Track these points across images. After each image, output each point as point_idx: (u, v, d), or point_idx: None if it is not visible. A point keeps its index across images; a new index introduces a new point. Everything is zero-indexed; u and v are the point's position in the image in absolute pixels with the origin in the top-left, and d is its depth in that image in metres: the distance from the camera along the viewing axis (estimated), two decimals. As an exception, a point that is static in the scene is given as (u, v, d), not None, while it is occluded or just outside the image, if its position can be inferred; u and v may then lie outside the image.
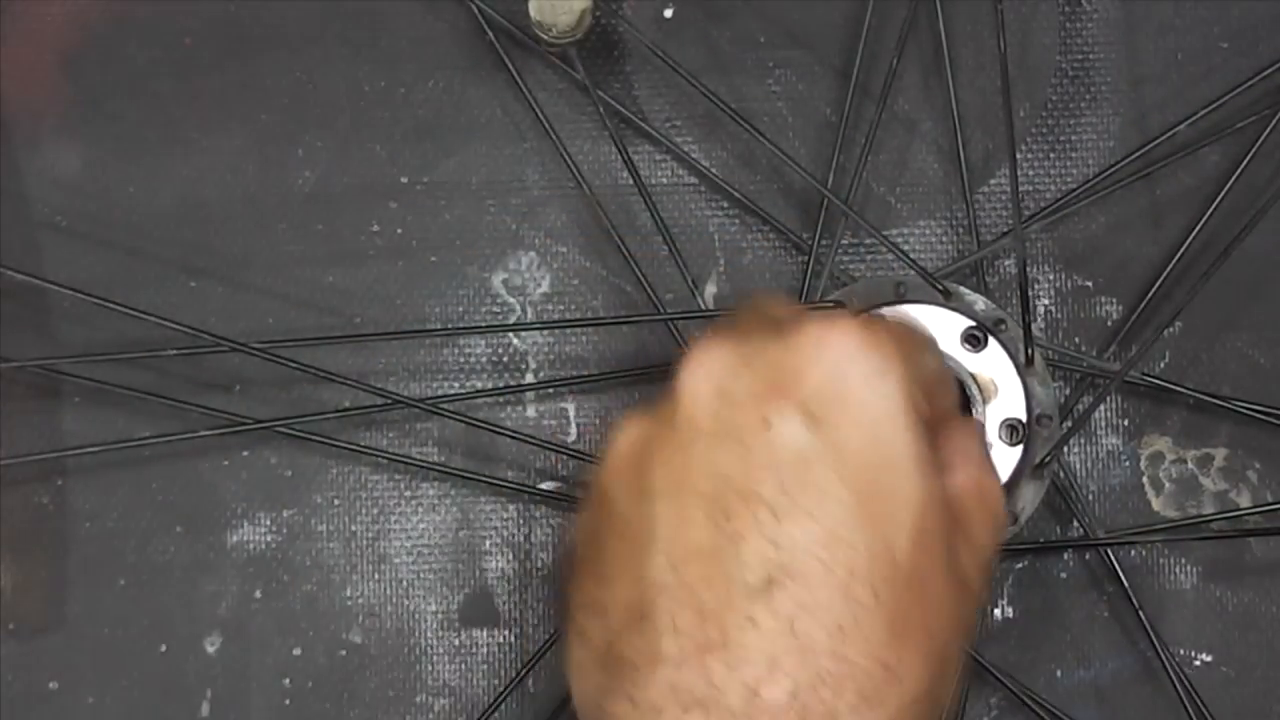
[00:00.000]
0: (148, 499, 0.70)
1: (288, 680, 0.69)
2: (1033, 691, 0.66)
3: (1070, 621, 0.69)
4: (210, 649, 0.70)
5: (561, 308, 0.71)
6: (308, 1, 0.73)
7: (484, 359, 0.71)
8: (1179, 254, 0.69)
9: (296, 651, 0.70)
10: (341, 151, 0.72)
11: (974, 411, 0.65)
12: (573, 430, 0.71)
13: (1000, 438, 0.64)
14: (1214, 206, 0.69)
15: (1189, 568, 0.69)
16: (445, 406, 0.69)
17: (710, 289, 0.71)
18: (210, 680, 0.69)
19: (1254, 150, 0.69)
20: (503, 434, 0.69)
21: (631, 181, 0.70)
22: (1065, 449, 0.70)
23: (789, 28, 0.73)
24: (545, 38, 0.68)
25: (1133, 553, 0.69)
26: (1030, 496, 0.66)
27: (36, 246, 0.72)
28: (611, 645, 0.50)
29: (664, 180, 0.72)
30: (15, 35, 0.73)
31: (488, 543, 0.70)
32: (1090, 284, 0.71)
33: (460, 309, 0.71)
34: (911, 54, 0.72)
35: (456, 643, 0.70)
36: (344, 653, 0.70)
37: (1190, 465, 0.70)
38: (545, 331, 0.71)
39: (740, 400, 0.51)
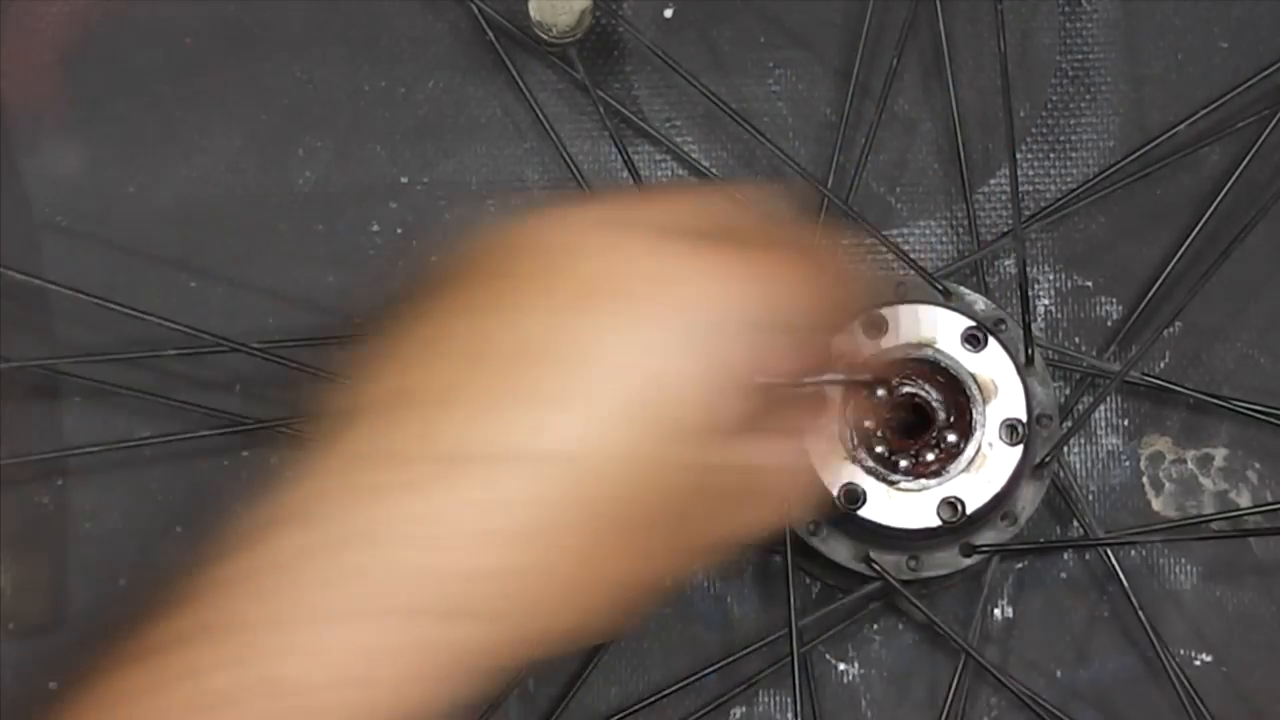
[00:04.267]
0: (148, 499, 0.70)
1: (288, 680, 0.69)
2: (1033, 691, 0.66)
3: (1070, 621, 0.69)
4: (210, 649, 0.69)
5: (561, 308, 0.71)
6: (308, 1, 0.73)
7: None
8: (1179, 254, 0.69)
9: (296, 651, 0.70)
10: (341, 151, 0.72)
11: (974, 412, 0.65)
12: (573, 430, 0.71)
13: (1000, 438, 0.65)
14: (1214, 206, 0.69)
15: (1189, 568, 0.69)
16: (445, 406, 0.69)
17: (710, 289, 0.71)
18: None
19: (1254, 150, 0.69)
20: (503, 434, 0.69)
21: (631, 181, 0.70)
22: (1065, 449, 0.70)
23: (789, 28, 0.73)
24: (545, 38, 0.68)
25: (1133, 553, 0.69)
26: (1030, 496, 0.66)
27: (36, 246, 0.72)
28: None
29: (664, 180, 0.72)
30: (15, 35, 0.73)
31: (488, 543, 0.70)
32: (1090, 284, 0.71)
33: (460, 309, 0.71)
34: (911, 54, 0.72)
35: (456, 643, 0.70)
36: (344, 653, 0.70)
37: (1190, 465, 0.70)
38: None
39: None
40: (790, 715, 0.68)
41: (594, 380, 0.45)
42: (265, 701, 0.44)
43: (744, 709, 0.69)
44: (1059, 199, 0.71)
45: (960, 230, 0.71)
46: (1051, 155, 0.72)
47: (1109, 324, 0.71)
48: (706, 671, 0.67)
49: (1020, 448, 0.65)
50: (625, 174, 0.70)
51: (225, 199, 0.72)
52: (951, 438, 0.65)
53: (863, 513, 0.64)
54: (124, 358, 0.70)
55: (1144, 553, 0.69)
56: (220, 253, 0.72)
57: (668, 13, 0.73)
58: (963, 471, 0.64)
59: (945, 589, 0.69)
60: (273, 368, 0.69)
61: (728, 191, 0.50)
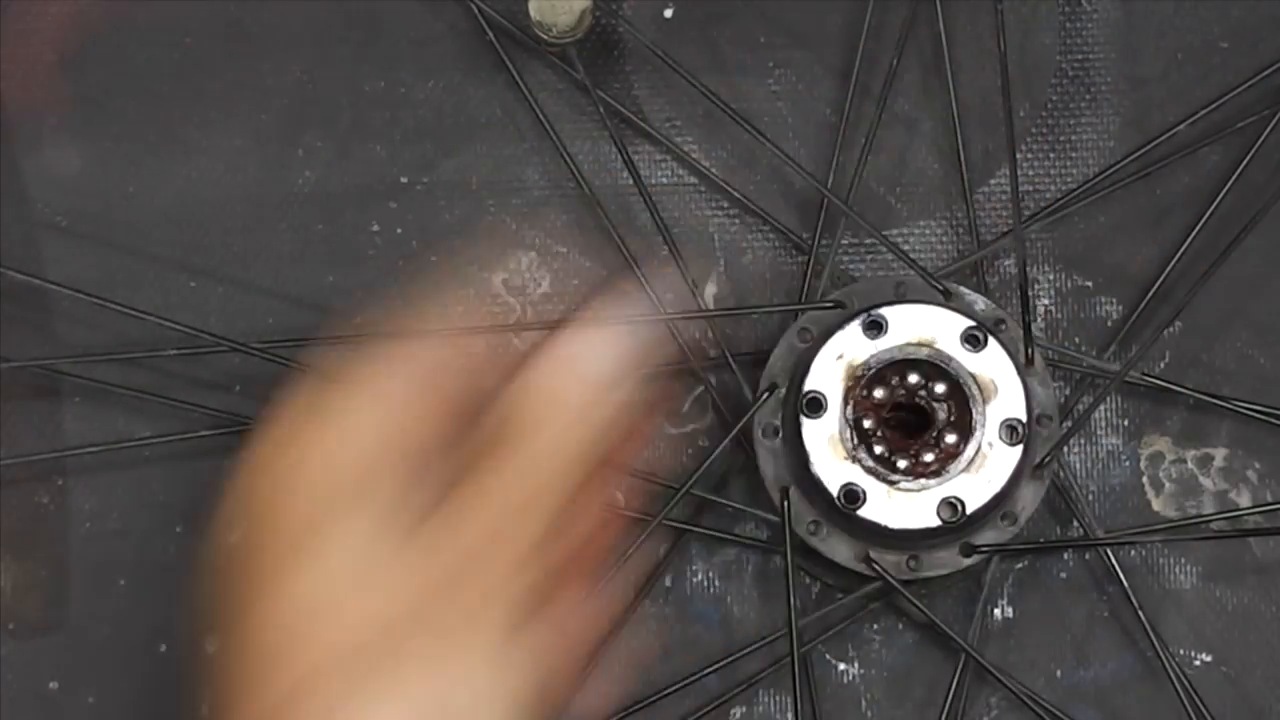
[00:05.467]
0: (148, 499, 0.70)
1: (288, 680, 0.69)
2: (1033, 691, 0.66)
3: (1070, 621, 0.69)
4: (210, 649, 0.69)
5: (561, 308, 0.71)
6: (308, 1, 0.73)
7: (484, 359, 0.71)
8: (1179, 254, 0.69)
9: (296, 651, 0.70)
10: (341, 151, 0.72)
11: (974, 412, 0.65)
12: (573, 430, 0.71)
13: (1000, 438, 0.65)
14: (1214, 206, 0.69)
15: (1189, 568, 0.69)
16: (445, 406, 0.69)
17: (710, 289, 0.71)
18: (210, 680, 0.69)
19: (1254, 150, 0.69)
20: (503, 434, 0.69)
21: (631, 181, 0.70)
22: (1065, 449, 0.70)
23: (789, 28, 0.73)
24: (545, 38, 0.68)
25: (1133, 553, 0.69)
26: (1030, 496, 0.66)
27: (36, 246, 0.72)
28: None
29: (664, 180, 0.72)
30: (15, 35, 0.73)
31: (488, 543, 0.70)
32: (1090, 284, 0.71)
33: (460, 309, 0.71)
34: (911, 54, 0.72)
35: (456, 643, 0.70)
36: (344, 653, 0.70)
37: (1190, 465, 0.70)
38: (545, 331, 0.71)
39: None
40: (790, 715, 0.68)
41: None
42: None
43: (744, 709, 0.69)
44: (1059, 199, 0.71)
45: (960, 230, 0.71)
46: (1051, 155, 0.72)
47: (1109, 324, 0.71)
48: (706, 671, 0.67)
49: (1020, 448, 0.65)
50: (625, 174, 0.70)
51: (225, 199, 0.72)
52: (951, 438, 0.65)
53: (862, 513, 0.64)
54: (124, 357, 0.70)
55: (1144, 553, 0.69)
56: (220, 253, 0.72)
57: (668, 13, 0.73)
58: (963, 471, 0.64)
59: (945, 589, 0.69)
60: (273, 368, 0.69)
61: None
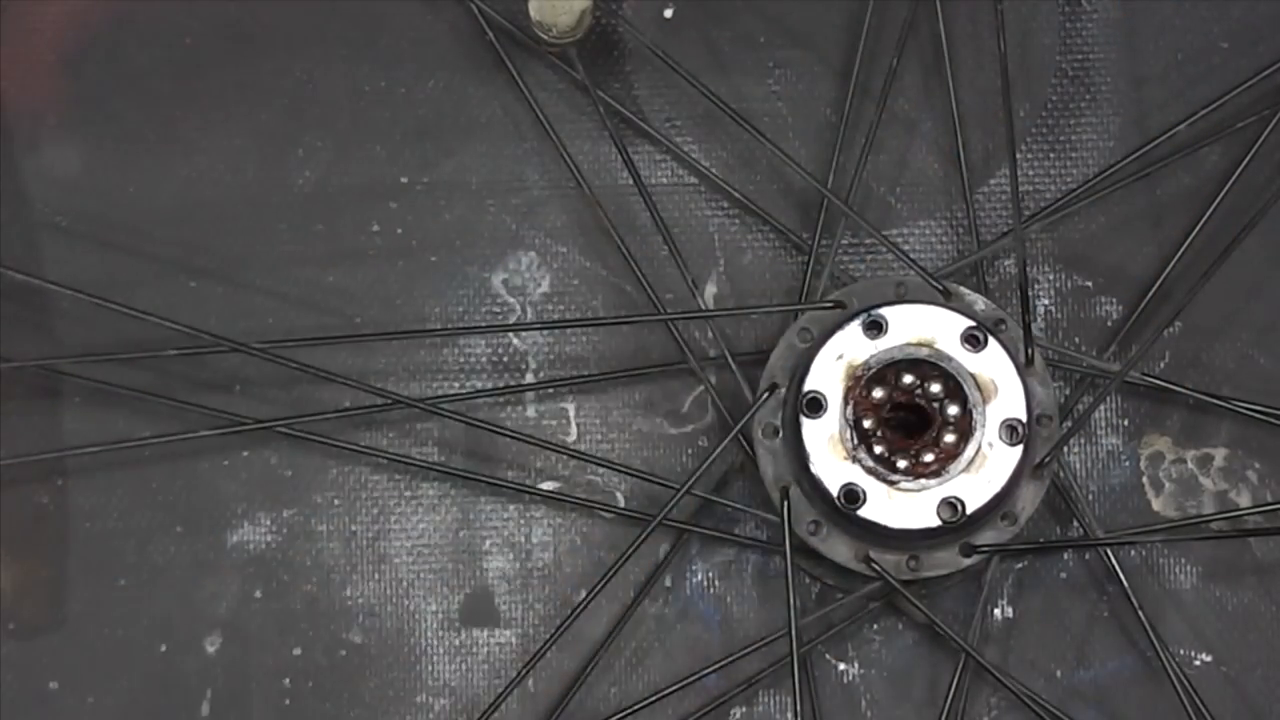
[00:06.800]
0: (148, 499, 0.70)
1: (288, 680, 0.69)
2: (1033, 691, 0.66)
3: (1070, 621, 0.69)
4: (210, 649, 0.70)
5: (561, 308, 0.71)
6: (308, 1, 0.73)
7: (484, 359, 0.71)
8: (1179, 254, 0.69)
9: (296, 651, 0.70)
10: (341, 151, 0.72)
11: (974, 412, 0.65)
12: (573, 430, 0.71)
13: (1000, 438, 0.65)
14: (1214, 206, 0.69)
15: (1189, 568, 0.69)
16: (445, 406, 0.69)
17: (710, 289, 0.71)
18: (210, 680, 0.69)
19: (1254, 150, 0.69)
20: (503, 434, 0.69)
21: (631, 181, 0.70)
22: (1065, 449, 0.70)
23: (789, 28, 0.73)
24: (545, 38, 0.68)
25: (1133, 553, 0.69)
26: (1030, 496, 0.66)
27: (36, 246, 0.72)
28: None
29: (664, 180, 0.72)
30: (15, 35, 0.73)
31: (488, 543, 0.70)
32: (1090, 284, 0.71)
33: (460, 309, 0.71)
34: (911, 54, 0.72)
35: (456, 643, 0.70)
36: (344, 653, 0.70)
37: (1190, 465, 0.70)
38: (545, 331, 0.71)
39: None
40: (790, 715, 0.68)
41: None
42: None
43: (744, 709, 0.69)
44: (1059, 199, 0.71)
45: (960, 230, 0.71)
46: (1051, 155, 0.72)
47: (1109, 324, 0.71)
48: (706, 671, 0.67)
49: (1020, 448, 0.65)
50: (625, 174, 0.70)
51: (225, 199, 0.72)
52: (951, 438, 0.65)
53: (863, 513, 0.64)
54: (124, 358, 0.70)
55: (1144, 553, 0.69)
56: (220, 253, 0.72)
57: (668, 13, 0.73)
58: (963, 471, 0.64)
59: (945, 589, 0.69)
60: (273, 368, 0.69)
61: None
